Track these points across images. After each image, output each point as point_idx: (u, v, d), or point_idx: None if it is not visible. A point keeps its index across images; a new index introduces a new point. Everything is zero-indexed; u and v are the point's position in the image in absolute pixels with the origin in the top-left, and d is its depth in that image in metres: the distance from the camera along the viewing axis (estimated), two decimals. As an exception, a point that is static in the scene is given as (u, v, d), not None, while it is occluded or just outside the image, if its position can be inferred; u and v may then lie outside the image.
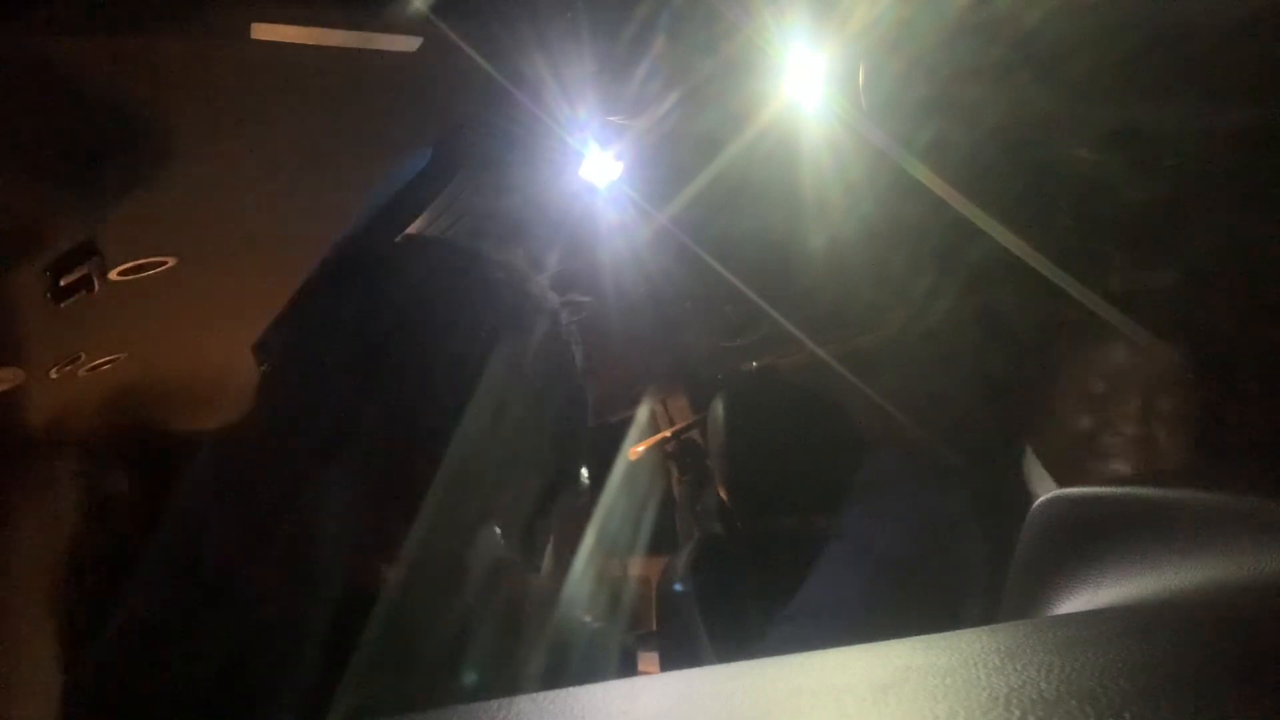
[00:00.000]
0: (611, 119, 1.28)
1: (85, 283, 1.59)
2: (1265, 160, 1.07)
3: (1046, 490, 0.91)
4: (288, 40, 1.08)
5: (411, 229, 1.59)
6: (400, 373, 0.75)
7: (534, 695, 0.38)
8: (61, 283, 1.56)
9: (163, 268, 1.74)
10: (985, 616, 1.26)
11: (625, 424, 2.34)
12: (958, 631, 0.42)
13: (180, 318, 2.10)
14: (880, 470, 1.45)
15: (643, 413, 2.48)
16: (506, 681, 0.69)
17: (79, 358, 2.12)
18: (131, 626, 0.67)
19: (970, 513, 1.34)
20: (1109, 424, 1.24)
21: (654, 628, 1.84)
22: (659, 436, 2.58)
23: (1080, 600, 0.51)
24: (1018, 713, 0.30)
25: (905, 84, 1.04)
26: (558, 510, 0.87)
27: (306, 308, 0.79)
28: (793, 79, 1.09)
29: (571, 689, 0.38)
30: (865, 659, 0.42)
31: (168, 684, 0.62)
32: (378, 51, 1.12)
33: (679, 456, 2.72)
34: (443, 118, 1.37)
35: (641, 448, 2.49)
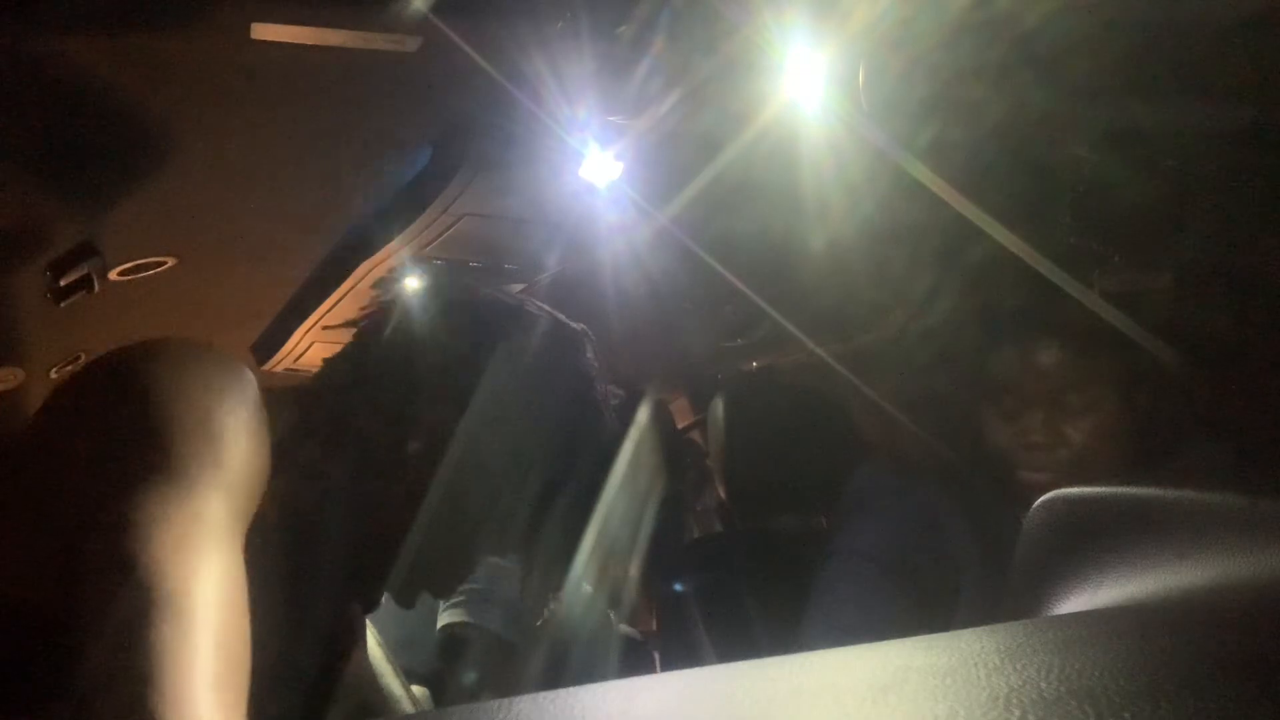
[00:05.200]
0: (611, 119, 1.28)
1: (85, 283, 1.59)
2: (1263, 160, 1.07)
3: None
4: (288, 40, 1.08)
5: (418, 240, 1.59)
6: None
7: (534, 695, 0.38)
8: (61, 283, 1.56)
9: (163, 268, 1.74)
10: (980, 617, 1.26)
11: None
12: (958, 631, 0.42)
13: (180, 318, 2.10)
14: (869, 481, 1.46)
15: (643, 413, 2.47)
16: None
17: (79, 358, 2.12)
18: None
19: (959, 512, 1.35)
20: (1107, 425, 1.25)
21: (654, 628, 1.84)
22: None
23: (1080, 600, 0.51)
24: (1018, 713, 0.30)
25: (905, 84, 1.04)
26: (564, 514, 0.89)
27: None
28: (793, 79, 1.09)
29: (571, 689, 0.38)
30: (865, 659, 0.42)
31: None
32: (378, 51, 1.12)
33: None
34: (443, 118, 1.37)
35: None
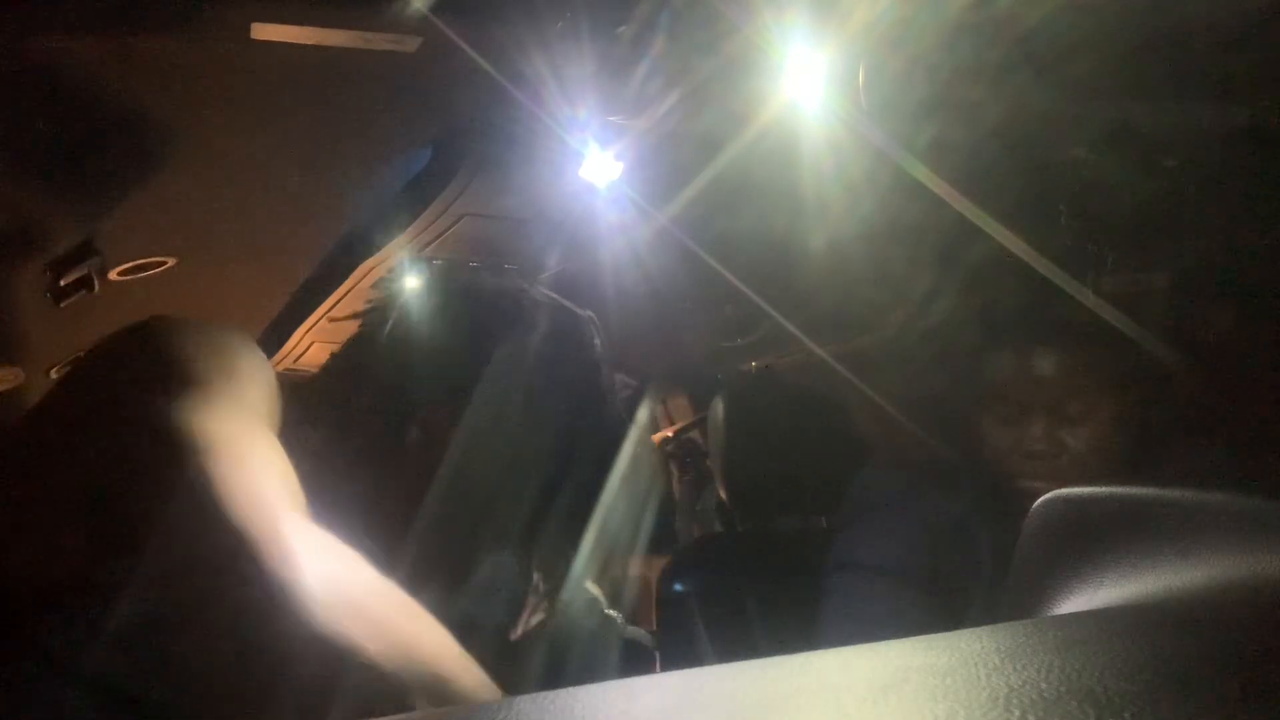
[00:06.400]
0: (611, 119, 1.28)
1: (85, 283, 1.59)
2: (1263, 161, 1.07)
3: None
4: (288, 40, 1.08)
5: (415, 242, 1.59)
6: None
7: (534, 695, 0.38)
8: (61, 283, 1.57)
9: (163, 268, 1.74)
10: (993, 616, 1.25)
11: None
12: (958, 631, 0.42)
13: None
14: (872, 488, 1.44)
15: (643, 413, 2.48)
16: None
17: (79, 358, 2.12)
18: None
19: (969, 513, 1.34)
20: (1107, 431, 1.24)
21: (654, 628, 1.84)
22: (662, 434, 2.59)
23: (1080, 600, 0.51)
24: (1018, 713, 0.30)
25: (905, 84, 1.04)
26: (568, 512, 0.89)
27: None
28: (793, 79, 1.09)
29: (571, 689, 0.38)
30: (865, 659, 0.42)
31: None
32: (378, 51, 1.12)
33: (679, 456, 2.72)
34: (443, 118, 1.37)
35: (670, 433, 2.52)
